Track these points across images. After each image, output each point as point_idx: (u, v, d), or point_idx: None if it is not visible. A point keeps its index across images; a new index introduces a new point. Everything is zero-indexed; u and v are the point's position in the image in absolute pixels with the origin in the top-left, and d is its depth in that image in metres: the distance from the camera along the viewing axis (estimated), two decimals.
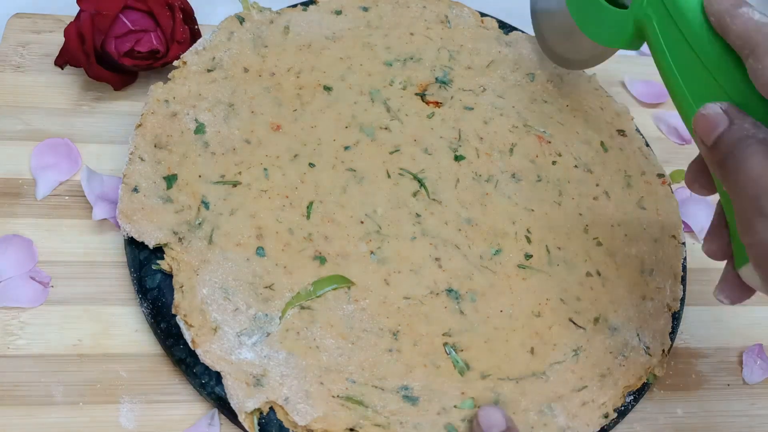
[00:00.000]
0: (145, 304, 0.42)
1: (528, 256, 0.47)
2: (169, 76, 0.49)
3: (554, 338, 0.45)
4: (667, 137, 0.61)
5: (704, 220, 0.55)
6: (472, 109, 0.53)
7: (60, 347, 0.42)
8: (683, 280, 0.50)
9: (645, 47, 0.67)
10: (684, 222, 0.54)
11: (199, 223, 0.44)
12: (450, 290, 0.45)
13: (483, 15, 0.59)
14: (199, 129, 0.48)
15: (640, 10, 0.40)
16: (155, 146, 0.46)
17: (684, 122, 0.37)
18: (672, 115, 0.61)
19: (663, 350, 0.46)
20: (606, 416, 0.43)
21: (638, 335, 0.46)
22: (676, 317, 0.48)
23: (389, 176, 0.49)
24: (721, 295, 0.37)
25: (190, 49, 0.51)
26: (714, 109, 0.33)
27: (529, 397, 0.42)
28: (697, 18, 0.35)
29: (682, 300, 0.49)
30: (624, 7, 0.42)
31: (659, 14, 0.38)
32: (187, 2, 0.53)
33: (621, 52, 0.67)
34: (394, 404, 0.41)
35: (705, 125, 0.34)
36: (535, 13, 0.55)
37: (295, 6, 0.56)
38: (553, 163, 0.52)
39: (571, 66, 0.53)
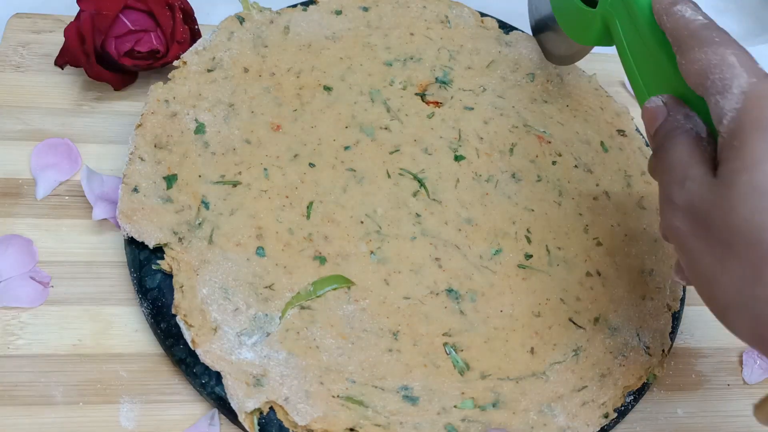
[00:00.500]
0: (145, 304, 0.42)
1: (528, 256, 0.47)
2: (169, 76, 0.49)
3: (554, 338, 0.45)
4: None
5: None
6: (472, 109, 0.53)
7: (60, 347, 0.42)
8: None
9: None
10: None
11: (199, 223, 0.44)
12: (450, 290, 0.45)
13: (483, 15, 0.59)
14: (199, 129, 0.48)
15: (605, 9, 0.43)
16: (155, 146, 0.46)
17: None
18: None
19: (663, 350, 0.46)
20: (606, 416, 0.43)
21: (638, 335, 0.46)
22: (675, 317, 0.48)
23: (389, 176, 0.49)
24: (677, 276, 0.38)
25: (190, 49, 0.51)
26: (656, 101, 0.35)
27: (529, 397, 0.42)
28: (647, 15, 0.38)
29: (682, 300, 0.49)
30: (595, 6, 0.45)
31: (619, 12, 0.41)
32: (187, 2, 0.53)
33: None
34: (394, 404, 0.41)
35: (648, 117, 0.36)
36: (531, 14, 0.58)
37: (295, 6, 0.56)
38: (553, 163, 0.52)
39: (559, 62, 0.56)
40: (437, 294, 0.45)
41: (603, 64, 0.63)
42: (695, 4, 0.35)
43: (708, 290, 0.32)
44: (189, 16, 0.53)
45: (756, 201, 0.29)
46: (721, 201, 0.30)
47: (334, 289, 0.44)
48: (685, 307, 0.50)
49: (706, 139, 0.33)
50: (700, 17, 0.34)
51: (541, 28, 0.57)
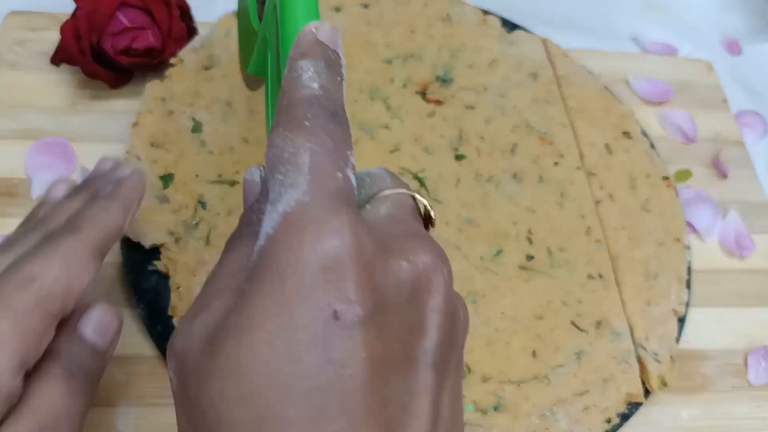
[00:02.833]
0: (141, 306, 0.42)
1: (529, 258, 0.47)
2: (166, 74, 0.49)
3: (556, 341, 0.44)
4: (671, 136, 0.60)
5: (709, 220, 0.55)
6: (473, 108, 0.53)
7: None
8: (688, 284, 0.49)
9: (652, 45, 0.66)
10: (688, 222, 0.54)
11: (196, 224, 0.44)
12: None
13: (486, 13, 0.59)
14: (196, 128, 0.47)
15: (265, 30, 0.33)
16: (151, 145, 0.46)
17: None
18: (676, 113, 0.61)
19: (671, 356, 0.45)
20: (609, 421, 0.42)
21: (644, 341, 0.45)
22: (680, 320, 0.48)
23: None
24: None
25: (187, 46, 0.50)
26: (252, 174, 0.27)
27: (531, 401, 0.42)
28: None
29: (687, 303, 0.48)
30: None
31: (272, 38, 0.31)
32: None
33: (625, 48, 0.67)
34: None
35: (244, 190, 0.27)
36: None
37: None
38: (555, 164, 0.51)
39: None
40: None
41: (606, 62, 0.62)
42: (336, 63, 0.25)
43: None
44: (186, 13, 0.52)
45: (228, 382, 0.20)
46: (206, 361, 0.21)
47: None
48: (690, 309, 0.50)
49: None
50: (316, 84, 0.23)
51: None
